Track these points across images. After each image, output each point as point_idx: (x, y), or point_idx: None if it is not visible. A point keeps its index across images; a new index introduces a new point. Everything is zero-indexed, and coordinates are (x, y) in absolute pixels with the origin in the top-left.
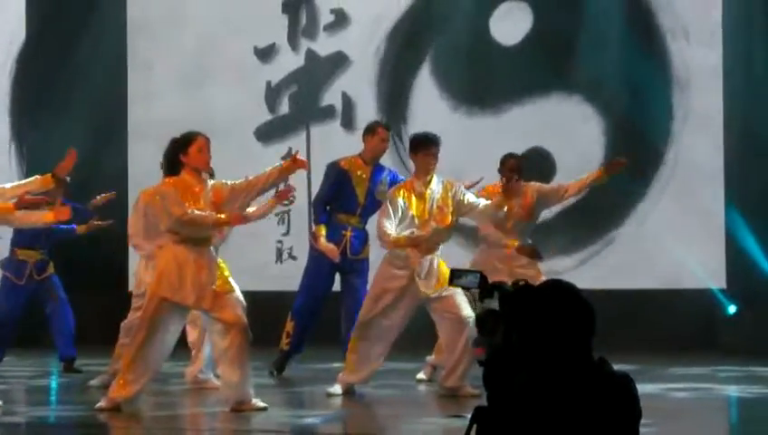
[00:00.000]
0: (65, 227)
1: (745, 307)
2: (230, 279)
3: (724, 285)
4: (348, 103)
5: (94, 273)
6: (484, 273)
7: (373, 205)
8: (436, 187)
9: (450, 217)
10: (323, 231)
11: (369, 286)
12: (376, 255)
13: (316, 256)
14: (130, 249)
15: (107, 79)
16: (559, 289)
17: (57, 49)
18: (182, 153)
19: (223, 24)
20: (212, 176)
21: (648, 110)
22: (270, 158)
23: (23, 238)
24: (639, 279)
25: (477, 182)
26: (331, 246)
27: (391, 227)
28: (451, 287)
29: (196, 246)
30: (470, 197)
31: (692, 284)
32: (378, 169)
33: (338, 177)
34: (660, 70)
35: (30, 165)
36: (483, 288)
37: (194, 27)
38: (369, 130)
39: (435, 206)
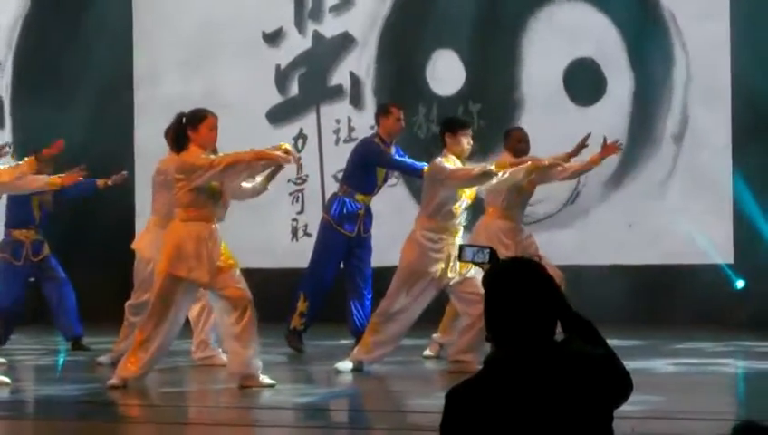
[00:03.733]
0: (86, 181)
1: (753, 282)
2: (230, 254)
3: (731, 260)
4: (356, 82)
5: (100, 249)
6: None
7: (382, 185)
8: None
9: (474, 193)
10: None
11: (398, 267)
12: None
13: (329, 233)
14: (137, 226)
15: (112, 57)
16: (520, 267)
17: (62, 27)
18: (192, 129)
19: (229, 3)
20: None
21: (655, 85)
22: (275, 138)
23: (16, 218)
24: (647, 255)
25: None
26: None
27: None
28: (471, 268)
29: (205, 222)
30: None
31: (700, 259)
32: (396, 151)
33: (379, 152)
34: (667, 44)
35: (34, 143)
36: (493, 264)
37: (200, 8)
38: (384, 111)
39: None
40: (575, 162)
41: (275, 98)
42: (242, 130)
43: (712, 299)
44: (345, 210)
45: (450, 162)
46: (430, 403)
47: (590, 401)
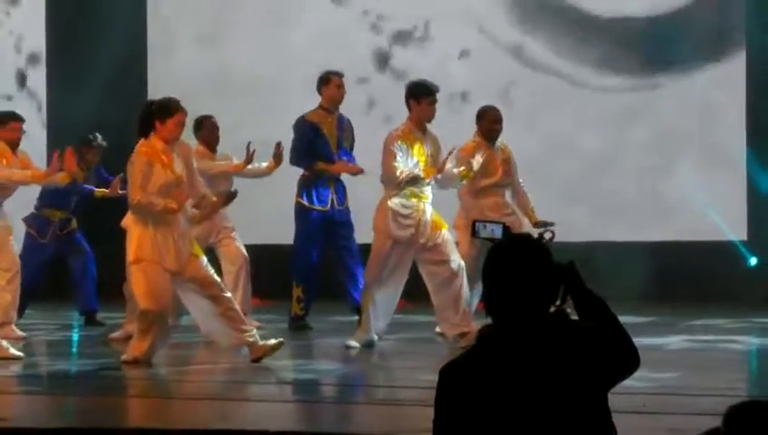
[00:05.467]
0: (87, 188)
1: (766, 259)
2: (196, 244)
3: (745, 237)
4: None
5: (111, 225)
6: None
7: (345, 154)
8: (429, 133)
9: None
10: (324, 165)
11: (373, 237)
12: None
13: (305, 215)
14: None
15: (126, 36)
16: (519, 244)
17: (76, 6)
18: (159, 121)
19: None
20: None
21: (669, 60)
22: (284, 114)
23: (49, 198)
24: (660, 231)
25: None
26: (348, 164)
27: (402, 167)
28: (443, 234)
29: (181, 212)
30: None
31: (713, 236)
32: (340, 117)
33: (309, 131)
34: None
35: (49, 122)
36: (507, 239)
37: None
38: (324, 81)
39: (429, 154)
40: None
41: (292, 73)
42: (248, 106)
43: (725, 276)
44: (313, 188)
45: (405, 138)
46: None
47: (583, 373)
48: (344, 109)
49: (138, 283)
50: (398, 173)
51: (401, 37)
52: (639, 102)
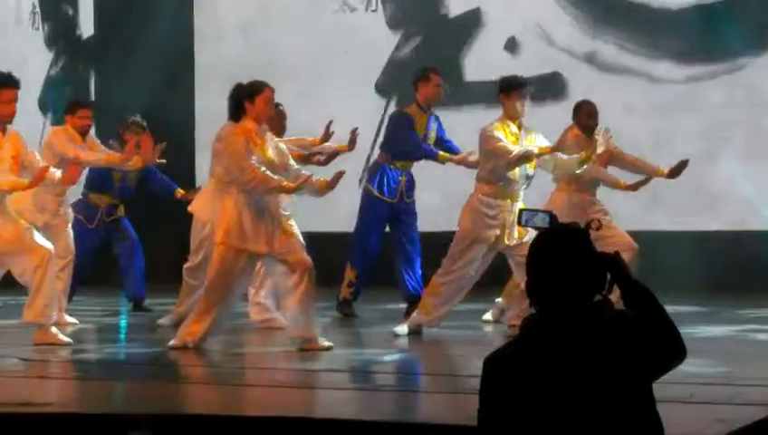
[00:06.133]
0: (168, 184)
1: None
2: (291, 221)
3: None
4: None
5: (161, 212)
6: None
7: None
8: (524, 130)
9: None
10: (444, 155)
11: (457, 231)
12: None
13: (372, 202)
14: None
15: (173, 21)
16: (564, 234)
17: None
18: (248, 101)
19: None
20: None
21: (717, 48)
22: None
23: (95, 183)
24: (707, 221)
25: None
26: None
27: (510, 147)
28: (527, 234)
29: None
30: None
31: (760, 225)
32: (431, 117)
33: (408, 123)
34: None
35: (98, 108)
36: (552, 228)
37: None
38: (422, 77)
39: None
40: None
41: (340, 63)
42: (296, 91)
43: None
44: (385, 178)
45: (502, 129)
46: None
47: (626, 363)
48: None
49: (215, 263)
50: (509, 148)
51: None
52: (687, 91)
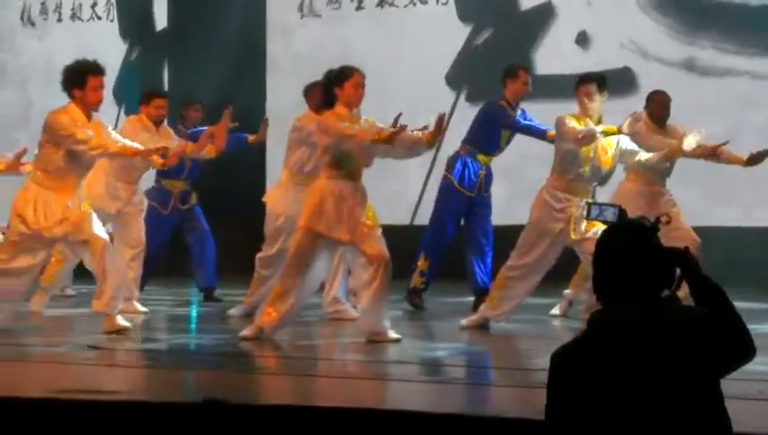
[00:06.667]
0: (238, 136)
1: None
2: (375, 214)
3: None
4: None
5: (231, 202)
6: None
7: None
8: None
9: (611, 161)
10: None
11: (527, 225)
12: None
13: (450, 193)
14: (268, 179)
15: (246, 13)
16: (629, 230)
17: None
18: (337, 87)
19: None
20: None
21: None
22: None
23: (168, 169)
24: None
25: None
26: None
27: (579, 127)
28: (595, 228)
29: (351, 180)
30: (629, 145)
31: None
32: (520, 112)
33: (506, 112)
34: None
35: (171, 99)
36: (619, 222)
37: None
38: (511, 74)
39: (599, 145)
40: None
41: (410, 55)
42: (371, 86)
43: None
44: (466, 170)
45: (576, 120)
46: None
47: (693, 360)
48: None
49: (293, 246)
50: (577, 130)
51: None
52: (758, 86)
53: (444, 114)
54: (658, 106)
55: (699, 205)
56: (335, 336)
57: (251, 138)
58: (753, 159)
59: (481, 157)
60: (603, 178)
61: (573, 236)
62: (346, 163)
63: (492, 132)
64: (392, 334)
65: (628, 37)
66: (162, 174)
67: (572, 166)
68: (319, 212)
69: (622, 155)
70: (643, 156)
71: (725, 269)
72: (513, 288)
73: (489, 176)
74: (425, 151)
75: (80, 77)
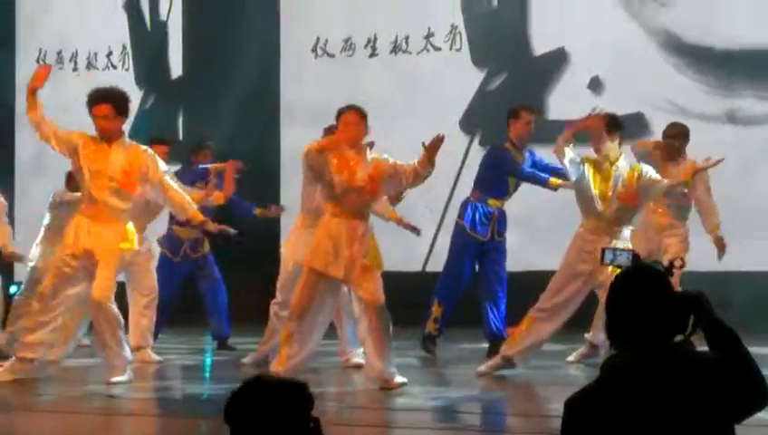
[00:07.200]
0: (246, 205)
1: None
2: (379, 256)
3: None
4: None
5: (245, 249)
6: (636, 251)
7: (517, 190)
8: (622, 165)
9: (637, 198)
10: (557, 181)
11: (559, 268)
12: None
13: (463, 238)
14: (282, 227)
15: (259, 60)
16: (641, 275)
17: (212, 31)
18: (339, 122)
19: (371, 8)
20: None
21: None
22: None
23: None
24: None
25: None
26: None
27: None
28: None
29: (352, 218)
30: (653, 175)
31: None
32: (527, 153)
33: (510, 155)
34: None
35: (185, 145)
36: (633, 267)
37: (349, 11)
38: (513, 115)
39: (620, 184)
40: None
41: (424, 100)
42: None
43: None
44: (478, 215)
45: (588, 161)
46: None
47: (707, 406)
48: None
49: (299, 285)
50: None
51: None
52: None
53: (443, 136)
54: (671, 136)
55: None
56: (347, 384)
57: (258, 211)
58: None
59: (492, 201)
60: (629, 217)
61: (600, 278)
62: (336, 197)
63: (498, 177)
64: (398, 379)
65: (643, 84)
66: (174, 221)
67: (590, 206)
68: (318, 249)
69: (645, 188)
70: (664, 181)
71: (744, 314)
72: (539, 329)
73: (502, 220)
74: (425, 174)
75: (87, 106)
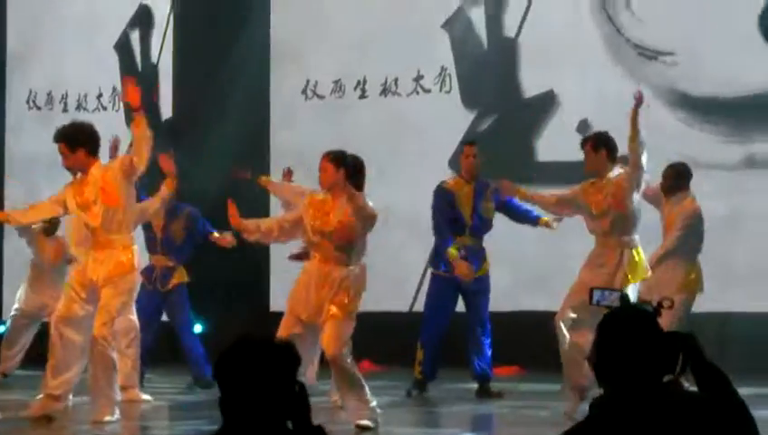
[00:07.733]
0: (208, 229)
1: None
2: (354, 302)
3: None
4: None
5: (234, 291)
6: (624, 292)
7: (481, 222)
8: (613, 175)
9: (627, 204)
10: (455, 252)
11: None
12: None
13: (439, 279)
14: (271, 266)
15: (250, 102)
16: (629, 316)
17: (201, 76)
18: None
19: (360, 50)
20: None
21: None
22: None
23: (148, 243)
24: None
25: None
26: (466, 264)
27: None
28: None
29: (326, 262)
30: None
31: None
32: (480, 185)
33: (441, 199)
34: None
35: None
36: (621, 308)
37: (336, 53)
38: (461, 151)
39: (609, 195)
40: None
41: (413, 142)
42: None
43: None
44: (443, 254)
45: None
46: None
47: None
48: None
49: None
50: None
51: None
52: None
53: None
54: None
55: (712, 291)
56: (336, 423)
57: (213, 236)
58: None
59: (459, 239)
60: (622, 224)
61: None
62: (310, 242)
63: (446, 214)
64: (363, 422)
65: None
66: (149, 248)
67: (588, 222)
68: (293, 290)
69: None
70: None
71: (738, 356)
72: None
73: (475, 255)
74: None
75: None
